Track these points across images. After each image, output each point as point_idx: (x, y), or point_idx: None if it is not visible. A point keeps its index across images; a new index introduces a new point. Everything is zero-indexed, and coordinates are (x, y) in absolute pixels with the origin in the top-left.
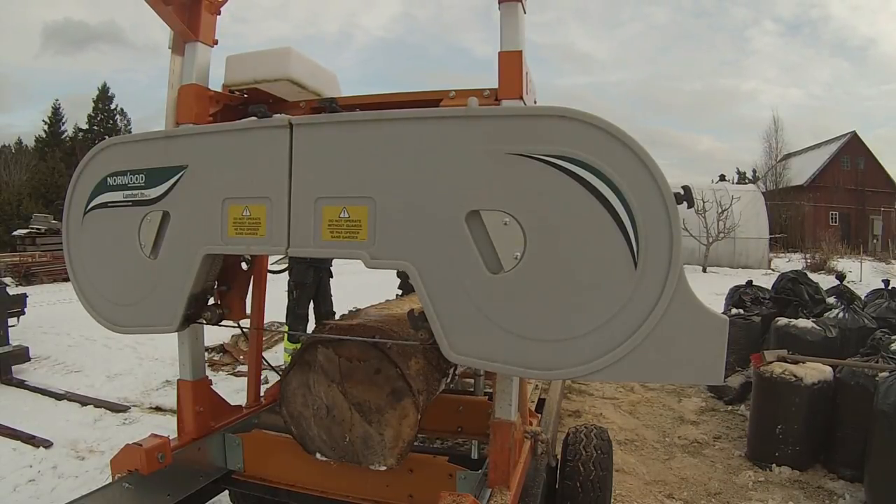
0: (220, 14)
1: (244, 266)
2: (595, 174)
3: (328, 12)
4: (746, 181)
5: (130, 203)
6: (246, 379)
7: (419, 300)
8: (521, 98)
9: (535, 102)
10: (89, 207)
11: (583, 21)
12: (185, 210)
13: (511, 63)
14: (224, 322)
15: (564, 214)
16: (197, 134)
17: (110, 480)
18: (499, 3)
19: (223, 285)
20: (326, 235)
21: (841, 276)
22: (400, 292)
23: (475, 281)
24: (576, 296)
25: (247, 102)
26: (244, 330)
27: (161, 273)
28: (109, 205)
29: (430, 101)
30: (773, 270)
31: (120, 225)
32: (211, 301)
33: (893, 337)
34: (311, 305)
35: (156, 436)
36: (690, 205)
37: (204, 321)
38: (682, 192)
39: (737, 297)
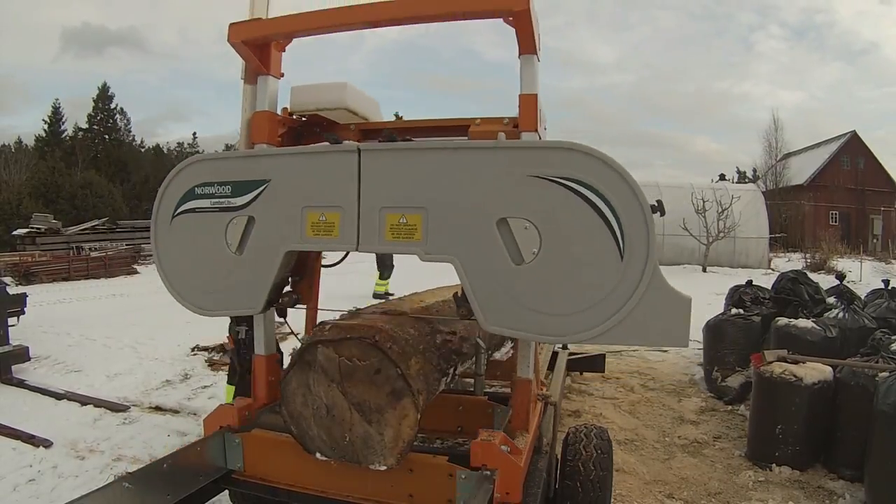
0: (284, 51)
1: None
2: (592, 191)
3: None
4: (746, 181)
5: (217, 209)
6: None
7: (461, 284)
8: (536, 130)
9: (546, 129)
10: (177, 212)
11: (591, 24)
12: (269, 215)
13: (529, 103)
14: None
15: (570, 220)
16: (279, 155)
17: (111, 480)
18: (519, 55)
19: (296, 275)
20: (388, 236)
21: (841, 276)
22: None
23: (503, 270)
24: (578, 280)
25: (306, 125)
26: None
27: (247, 266)
28: (197, 210)
29: (459, 126)
30: (773, 270)
31: (207, 226)
32: (286, 288)
33: (893, 337)
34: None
35: (243, 399)
36: (662, 213)
37: (282, 305)
38: (656, 203)
39: (737, 296)
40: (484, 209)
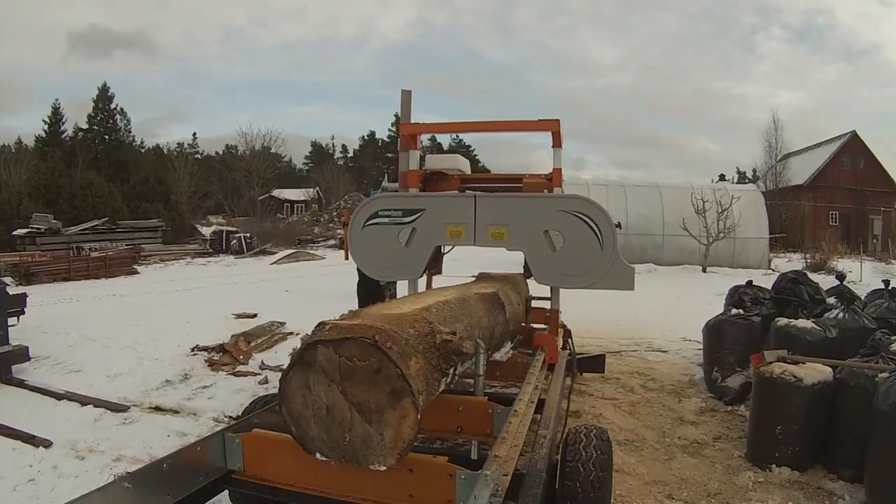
0: (421, 135)
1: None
2: (588, 218)
3: (344, 15)
4: (746, 181)
5: (392, 223)
6: (246, 379)
7: (525, 260)
8: (560, 185)
9: (563, 179)
10: (366, 224)
11: (594, 26)
12: (425, 227)
13: (558, 173)
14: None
15: (577, 231)
16: (432, 196)
17: (110, 480)
18: (552, 147)
19: (434, 259)
20: (490, 238)
21: (841, 277)
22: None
23: (546, 254)
24: (581, 258)
25: (430, 175)
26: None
27: (412, 254)
28: (379, 224)
29: (516, 178)
30: (773, 270)
31: (386, 232)
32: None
33: (893, 337)
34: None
35: None
36: (620, 228)
37: (430, 273)
38: (618, 223)
39: (736, 297)
40: (537, 225)
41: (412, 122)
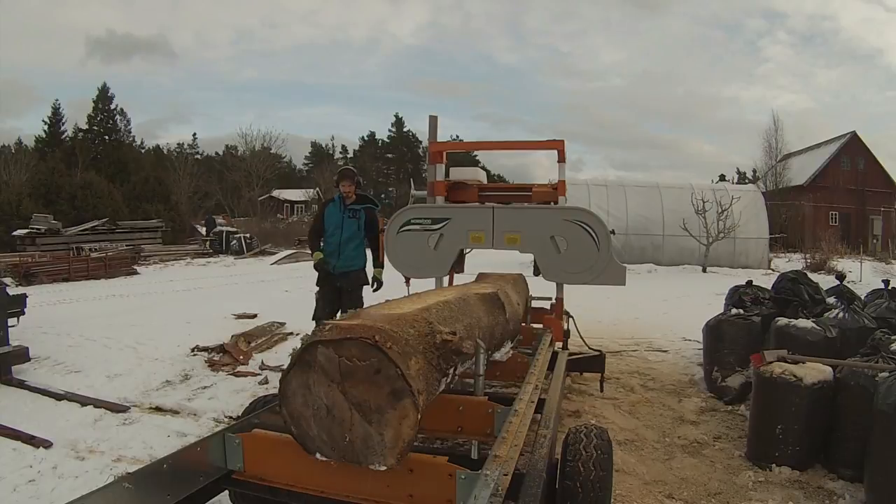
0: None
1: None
2: (587, 226)
3: (357, 19)
4: (746, 181)
5: (423, 229)
6: (246, 379)
7: (535, 260)
8: (564, 195)
9: (566, 187)
10: (401, 230)
11: (600, 31)
12: (451, 233)
13: (562, 184)
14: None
15: (578, 237)
16: (457, 207)
17: (111, 480)
18: (557, 162)
19: (458, 259)
20: (506, 242)
21: (841, 276)
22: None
23: (553, 256)
24: (582, 258)
25: (453, 185)
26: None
27: (439, 256)
28: (411, 230)
29: (526, 187)
30: (773, 270)
31: (417, 237)
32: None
33: (893, 337)
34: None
35: None
36: (614, 234)
37: (454, 272)
38: (612, 230)
39: (737, 297)
40: (545, 232)
41: (438, 141)
